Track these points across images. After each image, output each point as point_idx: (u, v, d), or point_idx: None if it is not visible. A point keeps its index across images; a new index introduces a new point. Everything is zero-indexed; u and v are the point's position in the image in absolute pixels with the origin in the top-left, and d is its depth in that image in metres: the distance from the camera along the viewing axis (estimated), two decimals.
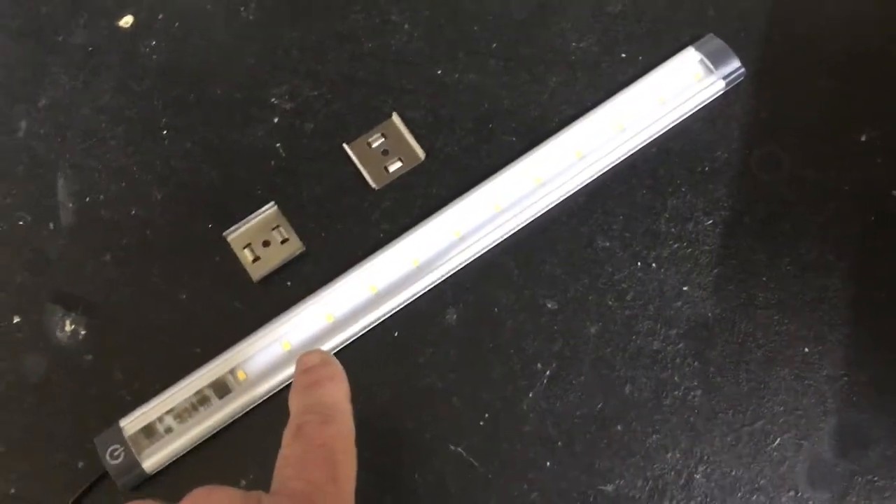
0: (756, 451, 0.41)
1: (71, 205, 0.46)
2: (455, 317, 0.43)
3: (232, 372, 0.41)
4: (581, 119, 0.46)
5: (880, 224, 0.45)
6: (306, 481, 0.30)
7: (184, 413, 0.41)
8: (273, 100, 0.48)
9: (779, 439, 0.41)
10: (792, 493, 0.40)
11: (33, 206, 0.46)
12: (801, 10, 0.49)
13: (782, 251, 0.44)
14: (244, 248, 0.44)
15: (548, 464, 0.41)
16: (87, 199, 0.46)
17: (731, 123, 0.47)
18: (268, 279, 0.44)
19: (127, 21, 0.50)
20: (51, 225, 0.45)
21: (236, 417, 0.41)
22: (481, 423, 0.41)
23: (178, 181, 0.46)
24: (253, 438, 0.41)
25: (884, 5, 0.49)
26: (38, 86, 0.48)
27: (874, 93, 0.47)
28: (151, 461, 0.39)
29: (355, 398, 0.42)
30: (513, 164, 0.45)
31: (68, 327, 0.43)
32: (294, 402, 0.34)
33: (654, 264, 0.44)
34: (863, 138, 0.46)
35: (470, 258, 0.44)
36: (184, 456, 0.41)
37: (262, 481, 0.40)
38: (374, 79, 0.48)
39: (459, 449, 0.41)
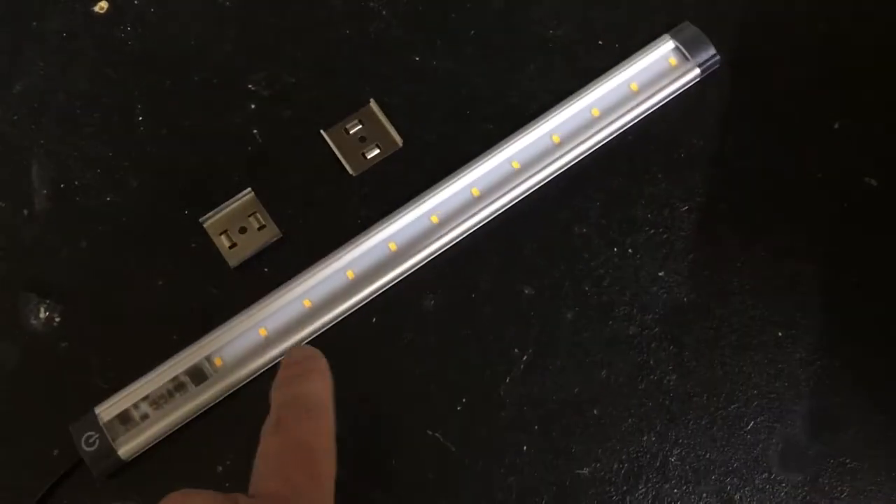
0: (730, 434, 0.41)
1: (45, 191, 0.45)
2: (433, 303, 0.43)
3: (208, 358, 0.41)
4: (558, 106, 0.46)
5: (853, 211, 0.45)
6: (284, 481, 0.29)
7: (160, 400, 0.40)
8: (250, 86, 0.47)
9: (752, 422, 0.42)
10: (765, 476, 0.41)
11: (7, 193, 0.45)
12: None
13: (756, 237, 0.45)
14: (221, 234, 0.44)
15: (525, 448, 0.41)
16: (62, 185, 0.45)
17: (707, 111, 0.47)
18: (245, 265, 0.44)
19: (102, 7, 0.49)
20: (25, 212, 0.45)
21: (213, 404, 0.41)
22: (458, 409, 0.42)
23: (154, 168, 0.46)
24: (230, 425, 0.41)
25: None
26: (13, 72, 0.48)
27: (848, 81, 0.48)
28: (127, 448, 0.39)
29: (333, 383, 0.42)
30: (491, 150, 0.45)
31: (43, 314, 0.43)
32: (275, 396, 0.33)
33: (630, 250, 0.44)
34: (836, 126, 0.47)
35: (448, 244, 0.44)
36: (160, 443, 0.40)
37: (238, 468, 0.40)
38: (351, 65, 0.48)
39: (437, 434, 0.41)
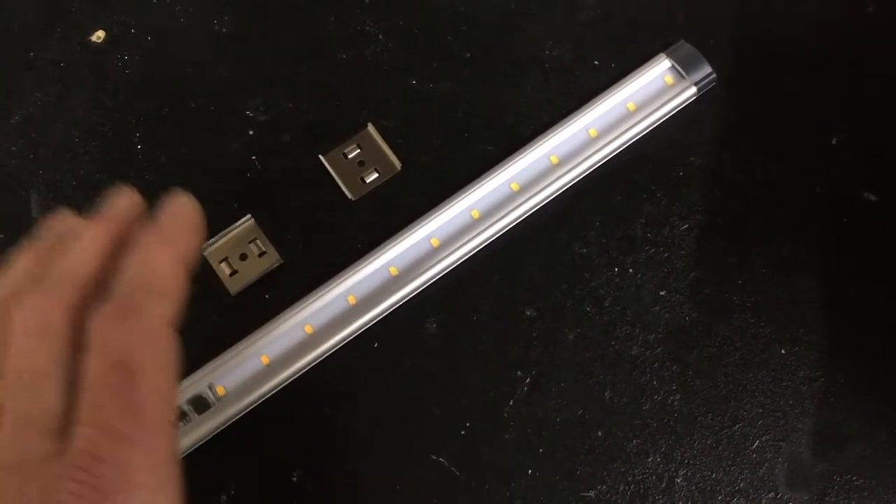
0: (735, 453, 0.41)
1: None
2: (435, 326, 0.43)
3: (210, 387, 0.41)
4: (556, 126, 0.46)
5: (852, 225, 0.45)
6: (91, 425, 0.20)
7: None
8: (248, 112, 0.47)
9: (758, 441, 0.41)
10: (772, 495, 0.41)
11: (7, 224, 0.45)
12: (770, 15, 0.50)
13: (756, 254, 0.45)
14: (221, 262, 0.44)
15: (529, 471, 0.41)
16: None
17: (704, 128, 0.47)
18: (245, 292, 0.44)
19: (99, 36, 0.49)
20: (24, 244, 0.45)
21: (216, 433, 0.41)
22: (462, 432, 0.41)
23: (153, 196, 0.46)
24: (233, 454, 0.41)
25: (850, 9, 0.50)
26: (11, 102, 0.48)
27: (844, 96, 0.48)
28: None
29: (336, 409, 0.42)
30: (489, 172, 0.45)
31: None
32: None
33: (631, 270, 0.44)
34: (833, 141, 0.47)
35: (448, 267, 0.44)
36: None
37: (243, 497, 0.40)
38: (348, 89, 0.48)
39: (440, 458, 0.41)
